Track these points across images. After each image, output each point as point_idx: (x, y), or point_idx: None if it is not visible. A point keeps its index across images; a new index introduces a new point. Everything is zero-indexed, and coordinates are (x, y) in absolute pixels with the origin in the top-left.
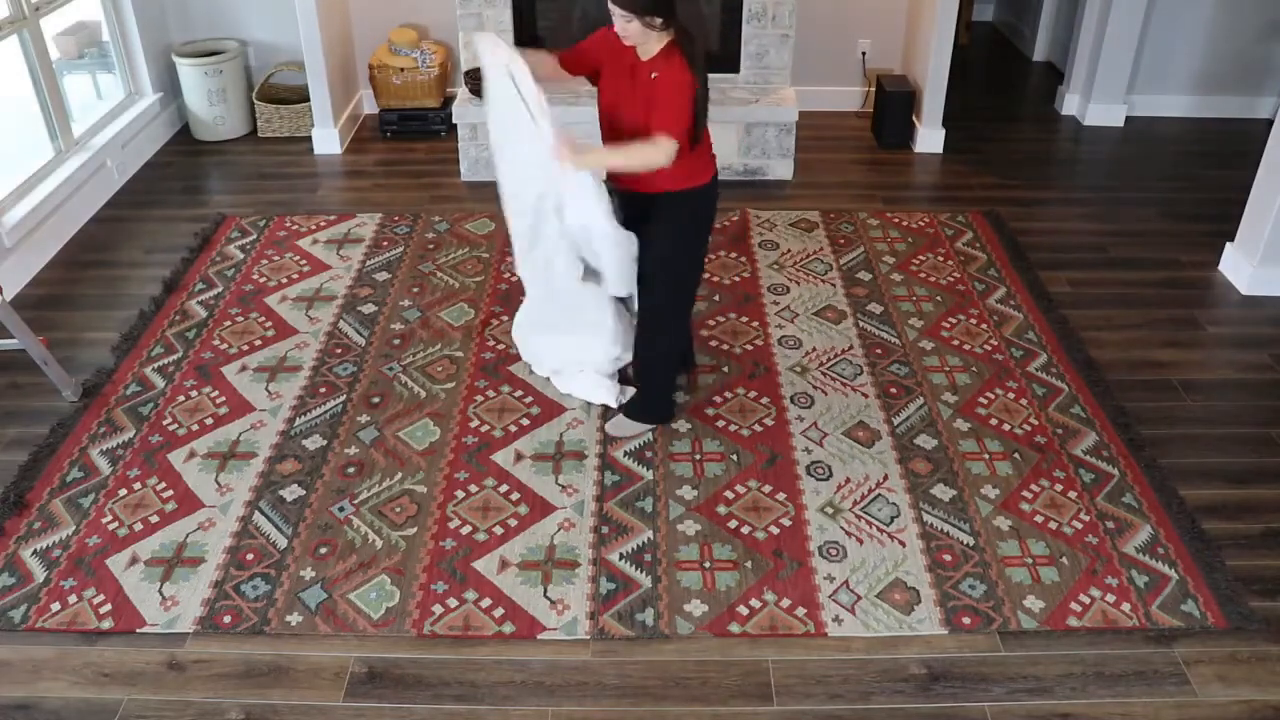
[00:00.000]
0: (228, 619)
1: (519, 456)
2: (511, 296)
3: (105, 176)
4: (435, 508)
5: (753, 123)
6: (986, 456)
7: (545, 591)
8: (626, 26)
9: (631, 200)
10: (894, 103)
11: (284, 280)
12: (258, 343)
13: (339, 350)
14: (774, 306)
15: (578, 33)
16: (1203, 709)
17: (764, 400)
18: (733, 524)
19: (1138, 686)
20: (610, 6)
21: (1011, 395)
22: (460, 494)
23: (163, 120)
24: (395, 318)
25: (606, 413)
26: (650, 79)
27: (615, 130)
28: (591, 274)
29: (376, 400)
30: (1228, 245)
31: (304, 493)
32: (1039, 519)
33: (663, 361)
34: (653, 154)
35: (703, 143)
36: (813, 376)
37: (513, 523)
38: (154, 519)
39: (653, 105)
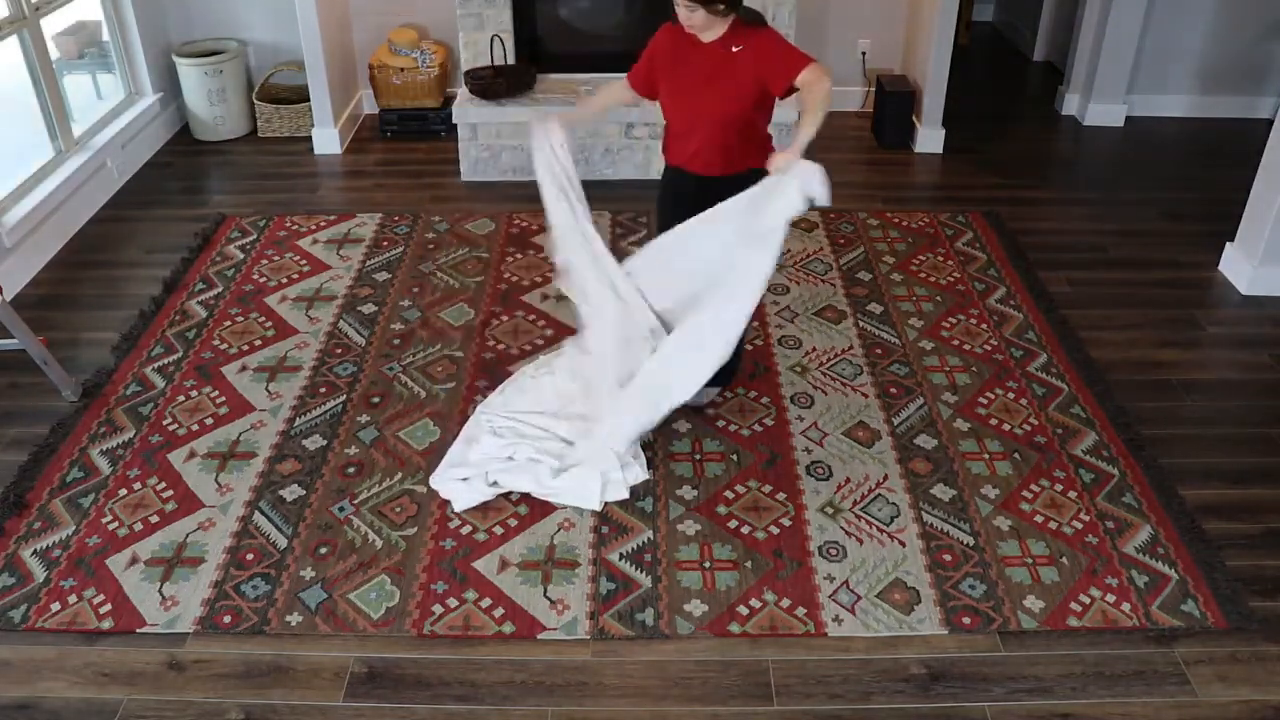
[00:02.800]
0: (228, 619)
1: None
2: (511, 296)
3: (105, 176)
4: (435, 507)
5: None
6: (986, 456)
7: (545, 591)
8: (691, 16)
9: (725, 185)
10: (894, 103)
11: (284, 280)
12: (258, 343)
13: (339, 350)
14: (774, 306)
15: (578, 33)
16: (1203, 709)
17: (764, 400)
18: (733, 524)
19: (1138, 686)
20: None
21: (1011, 395)
22: None
23: (163, 120)
24: (395, 318)
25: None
26: (732, 53)
27: (697, 122)
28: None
29: (376, 400)
30: (1228, 245)
31: (304, 493)
32: (1039, 519)
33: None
34: (823, 88)
35: None
36: (813, 376)
37: (513, 523)
38: (154, 519)
39: (772, 65)
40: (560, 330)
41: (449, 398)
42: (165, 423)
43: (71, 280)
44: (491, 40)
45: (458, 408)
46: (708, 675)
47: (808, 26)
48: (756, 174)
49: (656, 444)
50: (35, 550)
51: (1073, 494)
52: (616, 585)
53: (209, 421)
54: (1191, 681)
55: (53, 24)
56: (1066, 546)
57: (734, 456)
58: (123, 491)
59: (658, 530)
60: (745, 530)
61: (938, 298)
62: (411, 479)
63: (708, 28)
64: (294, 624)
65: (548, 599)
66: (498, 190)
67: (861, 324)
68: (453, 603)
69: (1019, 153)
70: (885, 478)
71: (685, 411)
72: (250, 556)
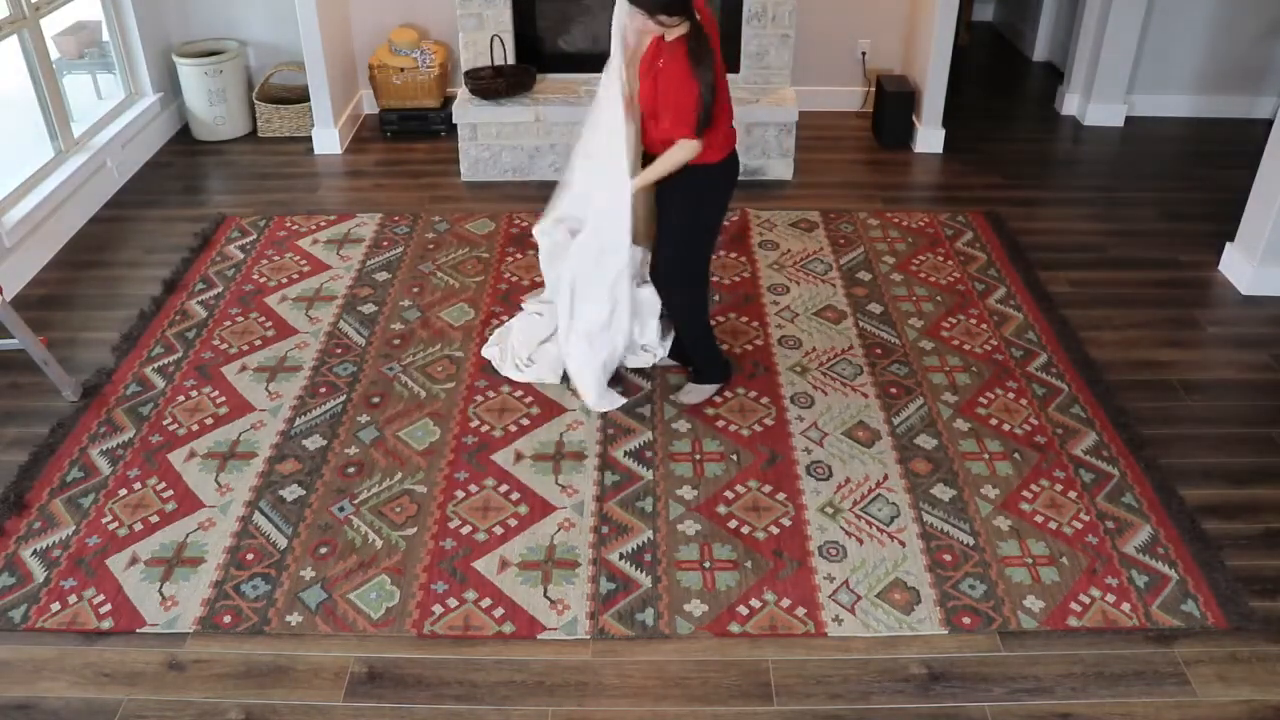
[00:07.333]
0: (228, 619)
1: (519, 456)
2: (511, 296)
3: (105, 176)
4: (435, 508)
5: (753, 123)
6: (986, 456)
7: (545, 591)
8: (646, 23)
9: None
10: (894, 103)
11: (284, 280)
12: (258, 343)
13: (339, 350)
14: (774, 306)
15: (578, 33)
16: (1203, 709)
17: (764, 400)
18: (733, 524)
19: (1138, 686)
20: (628, 6)
21: (1011, 395)
22: (460, 494)
23: (163, 120)
24: (395, 318)
25: (666, 390)
26: (658, 66)
27: (642, 108)
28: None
29: (376, 400)
30: (1228, 245)
31: (304, 493)
32: (1039, 519)
33: (689, 320)
34: (678, 155)
35: (716, 127)
36: (813, 376)
37: (513, 523)
38: (154, 519)
39: (662, 103)
40: None
41: (449, 398)
42: (165, 423)
43: (71, 280)
44: (491, 40)
45: (458, 408)
46: (707, 675)
47: (808, 26)
48: (690, 168)
49: (656, 444)
50: (35, 550)
51: (1073, 494)
52: (616, 585)
53: (209, 421)
54: (1191, 681)
55: (53, 24)
56: (1066, 546)
57: (734, 456)
58: (123, 491)
59: (658, 530)
60: (745, 530)
61: (938, 298)
62: (411, 479)
63: (660, 33)
64: (294, 624)
65: (548, 599)
66: (498, 190)
67: (861, 324)
68: (453, 603)
69: (1019, 153)
70: (885, 478)
71: (685, 411)
72: (250, 556)
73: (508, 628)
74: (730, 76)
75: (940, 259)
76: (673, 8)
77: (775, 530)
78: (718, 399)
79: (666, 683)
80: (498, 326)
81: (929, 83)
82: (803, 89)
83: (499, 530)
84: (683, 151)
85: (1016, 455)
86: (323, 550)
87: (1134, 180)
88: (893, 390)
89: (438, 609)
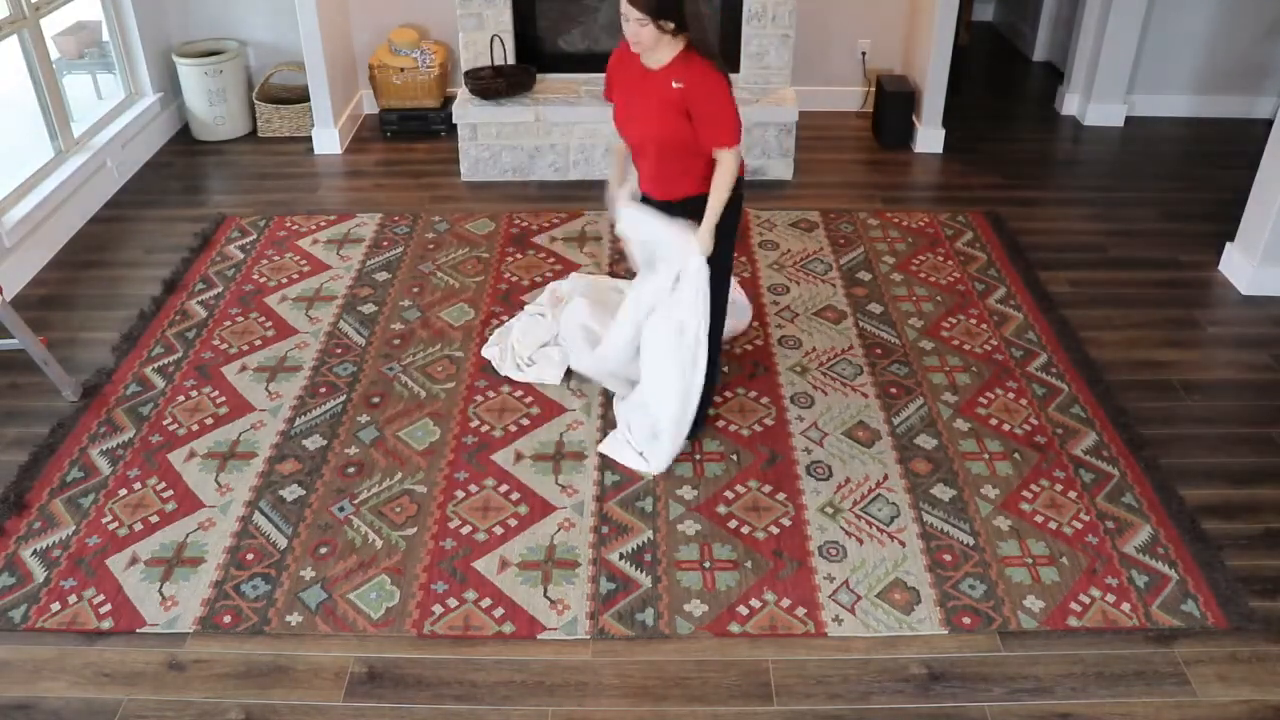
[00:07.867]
0: (228, 619)
1: (519, 456)
2: (511, 296)
3: (105, 176)
4: (435, 508)
5: (753, 123)
6: (986, 456)
7: (545, 591)
8: (640, 31)
9: (673, 210)
10: (894, 103)
11: (284, 280)
12: (258, 343)
13: (339, 350)
14: (774, 306)
15: (577, 32)
16: (1203, 709)
17: (764, 400)
18: (733, 524)
19: (1138, 686)
20: (623, 9)
21: (1011, 395)
22: (460, 494)
23: (163, 120)
24: (395, 318)
25: (609, 428)
26: (671, 88)
27: (646, 147)
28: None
29: (376, 400)
30: (1228, 245)
31: (304, 493)
32: (1039, 519)
33: (710, 371)
34: (730, 167)
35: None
36: (813, 376)
37: (513, 523)
38: (154, 519)
39: (698, 114)
40: None
41: (449, 398)
42: (165, 423)
43: (71, 280)
44: (491, 40)
45: (458, 408)
46: (708, 675)
47: (808, 26)
48: (695, 200)
49: None
50: (35, 550)
51: (1073, 494)
52: (616, 585)
53: (209, 421)
54: (1191, 681)
55: (53, 24)
56: (1066, 546)
57: (734, 456)
58: (123, 491)
59: (658, 530)
60: (745, 530)
61: (938, 298)
62: (411, 479)
63: (655, 48)
64: (294, 624)
65: (548, 599)
66: (498, 190)
67: (861, 324)
68: (453, 603)
69: (1019, 153)
70: (885, 478)
71: None
72: (250, 556)
73: (508, 628)
74: (730, 76)
75: (940, 259)
76: (670, 12)
77: (775, 530)
78: (717, 399)
79: (666, 683)
80: (498, 326)
81: (929, 83)
82: (803, 89)
83: (499, 530)
84: (732, 164)
85: (1016, 455)
86: (323, 550)
87: (1134, 180)
88: (893, 390)
89: (438, 609)
